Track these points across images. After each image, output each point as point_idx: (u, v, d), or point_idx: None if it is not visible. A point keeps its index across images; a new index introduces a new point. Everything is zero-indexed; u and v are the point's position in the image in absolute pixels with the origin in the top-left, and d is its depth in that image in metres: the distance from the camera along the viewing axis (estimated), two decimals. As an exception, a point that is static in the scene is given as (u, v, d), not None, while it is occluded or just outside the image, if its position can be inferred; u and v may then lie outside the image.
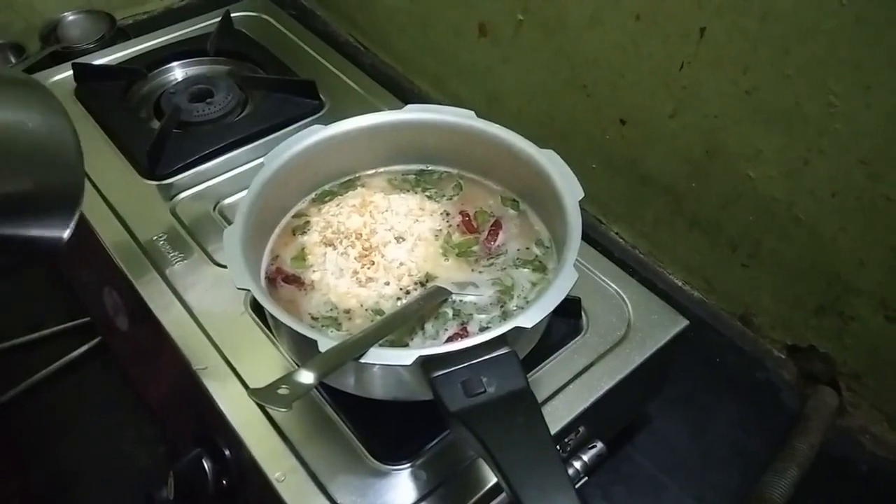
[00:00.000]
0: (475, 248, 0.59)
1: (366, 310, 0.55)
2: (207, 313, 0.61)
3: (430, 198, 0.63)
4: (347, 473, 0.52)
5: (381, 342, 0.47)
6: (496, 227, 0.61)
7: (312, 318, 0.55)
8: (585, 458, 0.59)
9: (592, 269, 0.65)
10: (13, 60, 1.04)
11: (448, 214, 0.62)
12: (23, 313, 0.83)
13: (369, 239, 0.59)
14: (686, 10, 0.65)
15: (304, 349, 0.47)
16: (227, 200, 0.72)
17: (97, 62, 0.89)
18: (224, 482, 0.57)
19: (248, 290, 0.50)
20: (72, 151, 0.42)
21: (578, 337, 0.61)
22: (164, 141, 0.76)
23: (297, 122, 0.80)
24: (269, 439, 0.53)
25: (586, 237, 0.55)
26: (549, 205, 0.58)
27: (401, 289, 0.56)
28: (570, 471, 0.58)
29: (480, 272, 0.58)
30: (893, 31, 0.53)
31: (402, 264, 0.57)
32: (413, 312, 0.52)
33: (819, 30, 0.57)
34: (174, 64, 0.90)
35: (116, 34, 1.07)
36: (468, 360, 0.45)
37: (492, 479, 0.52)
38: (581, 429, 0.57)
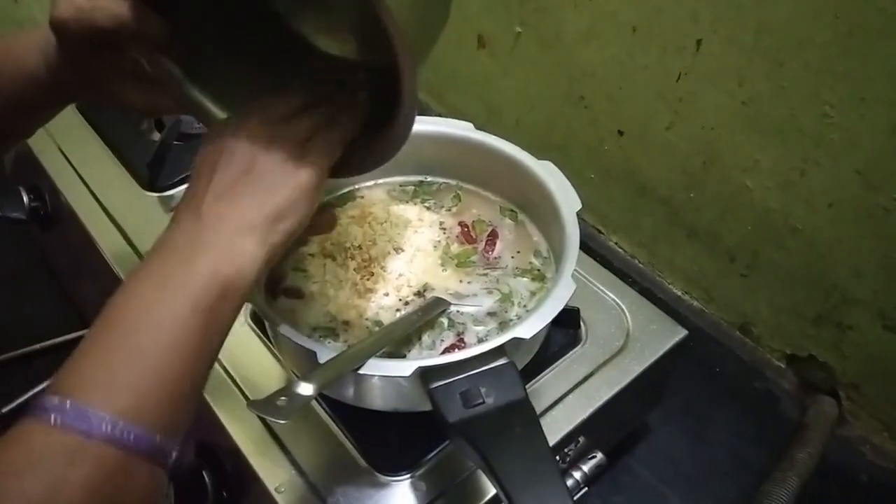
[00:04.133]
0: (474, 258, 0.60)
1: (365, 321, 0.55)
2: (207, 325, 0.61)
3: (428, 209, 0.64)
4: (347, 485, 0.52)
5: (378, 353, 0.47)
6: (493, 236, 0.61)
7: (312, 329, 0.55)
8: (585, 468, 0.59)
9: (591, 279, 0.66)
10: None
11: (447, 225, 0.62)
12: (23, 324, 0.83)
13: (368, 250, 0.59)
14: (682, 23, 0.65)
15: (303, 360, 0.47)
16: (228, 212, 0.72)
17: (99, 75, 0.89)
18: (224, 494, 0.57)
19: (248, 302, 0.50)
20: None
21: (577, 347, 0.61)
22: (164, 153, 0.76)
23: (296, 134, 0.81)
24: (269, 451, 0.53)
25: (585, 247, 0.56)
26: (548, 215, 0.58)
27: (400, 300, 0.56)
28: (570, 481, 0.58)
29: (479, 282, 0.58)
30: (887, 43, 0.53)
31: (401, 275, 0.58)
32: (412, 324, 0.53)
33: (813, 42, 0.57)
34: (175, 77, 0.90)
35: (118, 47, 1.07)
36: (467, 371, 0.46)
37: (491, 491, 0.52)
38: (580, 439, 0.57)
